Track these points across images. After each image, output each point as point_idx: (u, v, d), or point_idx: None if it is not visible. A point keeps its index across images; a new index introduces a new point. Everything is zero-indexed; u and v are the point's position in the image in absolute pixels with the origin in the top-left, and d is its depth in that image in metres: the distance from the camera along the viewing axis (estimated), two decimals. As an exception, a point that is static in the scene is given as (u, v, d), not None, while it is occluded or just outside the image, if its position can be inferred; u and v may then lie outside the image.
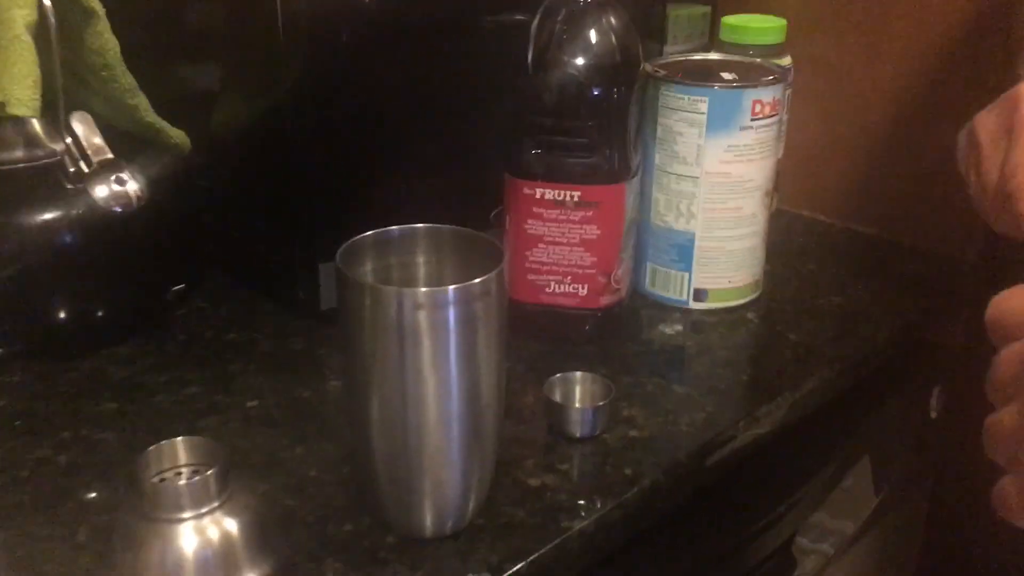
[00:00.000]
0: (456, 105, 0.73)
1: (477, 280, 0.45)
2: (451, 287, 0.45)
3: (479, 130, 0.74)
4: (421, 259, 0.51)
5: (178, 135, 0.71)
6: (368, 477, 0.50)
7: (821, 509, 0.69)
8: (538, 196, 0.66)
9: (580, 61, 0.64)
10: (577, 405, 0.60)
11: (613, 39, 0.64)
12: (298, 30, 0.66)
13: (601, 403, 0.58)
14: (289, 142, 0.72)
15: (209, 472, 0.45)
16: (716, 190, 0.71)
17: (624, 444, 0.58)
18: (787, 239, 0.86)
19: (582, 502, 0.53)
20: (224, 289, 0.76)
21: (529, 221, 0.67)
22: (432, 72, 0.72)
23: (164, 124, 0.70)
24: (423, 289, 0.46)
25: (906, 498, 0.82)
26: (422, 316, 0.45)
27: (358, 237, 0.49)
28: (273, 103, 0.73)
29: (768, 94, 0.70)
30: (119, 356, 0.67)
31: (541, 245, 0.67)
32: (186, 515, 0.45)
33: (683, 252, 0.73)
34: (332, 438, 0.58)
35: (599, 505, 0.53)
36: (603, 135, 0.65)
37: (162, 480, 0.46)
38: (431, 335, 0.45)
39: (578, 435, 0.58)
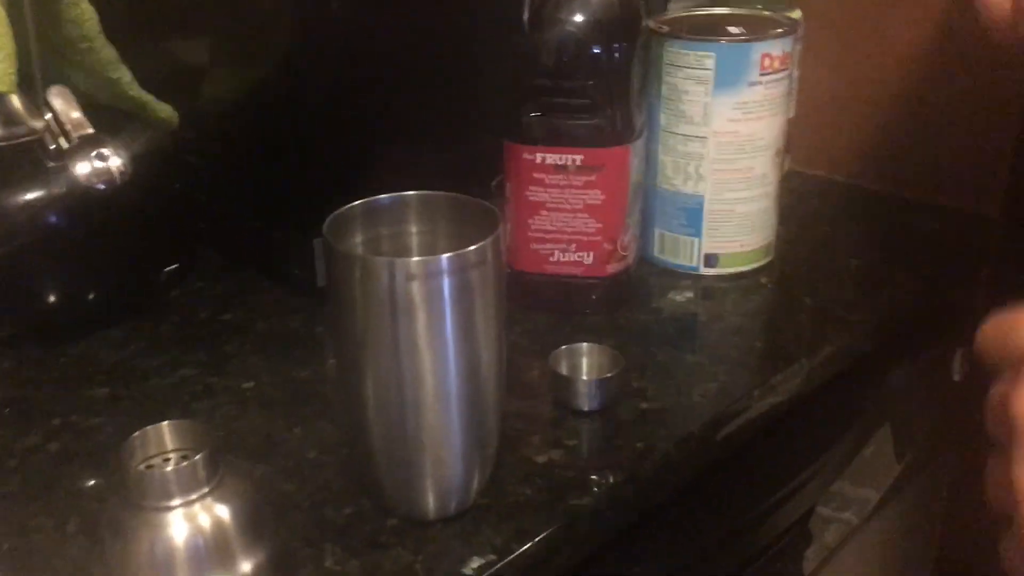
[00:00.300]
0: (452, 70, 0.71)
1: (472, 247, 0.43)
2: (445, 255, 0.42)
3: (476, 96, 0.71)
4: (414, 228, 0.48)
5: (165, 109, 0.69)
6: (366, 458, 0.48)
7: (843, 478, 0.66)
8: (539, 161, 0.63)
9: (578, 18, 0.61)
10: (584, 377, 0.57)
11: (613, -7, 0.61)
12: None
13: (609, 375, 0.56)
14: (279, 115, 0.70)
15: (197, 457, 0.43)
16: (725, 150, 0.68)
17: (634, 417, 0.55)
18: (800, 200, 0.83)
19: (591, 478, 0.50)
20: (220, 268, 0.74)
21: (530, 188, 0.64)
22: (426, 37, 0.69)
23: (149, 98, 0.67)
24: (415, 259, 0.43)
25: (929, 464, 0.80)
26: (415, 287, 0.43)
27: (346, 207, 0.47)
28: (262, 75, 0.71)
29: (777, 47, 0.67)
30: (111, 339, 0.65)
31: (543, 212, 0.64)
32: (175, 503, 0.43)
33: (692, 216, 0.70)
34: (331, 419, 0.56)
35: (609, 481, 0.50)
36: (605, 95, 0.62)
37: (149, 467, 0.44)
38: (425, 307, 0.43)
39: (586, 409, 0.56)
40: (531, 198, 0.64)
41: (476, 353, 0.45)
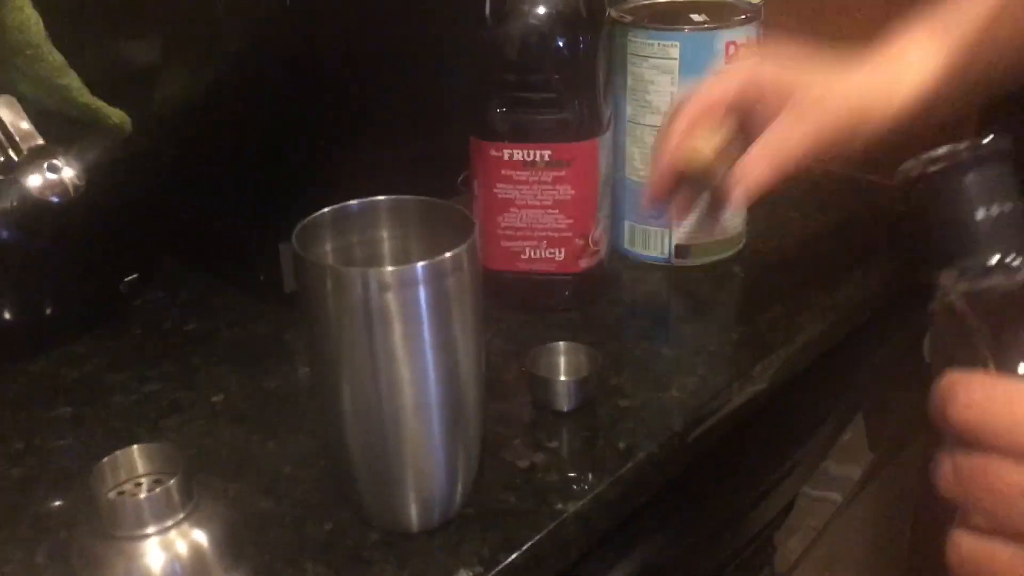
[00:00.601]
0: (414, 66, 0.69)
1: (447, 254, 0.42)
2: (420, 264, 0.41)
3: (440, 91, 0.69)
4: (385, 234, 0.47)
5: (117, 115, 0.66)
6: (346, 471, 0.47)
7: (827, 457, 0.66)
8: (506, 158, 0.62)
9: (541, 10, 0.60)
10: (562, 378, 0.56)
11: (574, -18, 0.60)
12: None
13: (587, 374, 0.55)
14: (238, 116, 0.68)
15: (171, 482, 0.41)
16: (693, 140, 0.67)
17: (614, 415, 0.55)
18: (767, 186, 0.82)
19: (575, 481, 0.50)
20: (181, 277, 0.72)
21: (499, 185, 0.63)
22: (386, 32, 0.67)
23: (101, 104, 0.65)
24: (389, 268, 0.42)
25: (906, 444, 0.80)
26: (390, 298, 0.41)
27: (315, 215, 0.45)
28: (217, 75, 0.69)
29: (742, 34, 0.66)
30: (72, 356, 0.63)
31: (513, 209, 0.63)
32: (149, 530, 0.41)
33: (662, 207, 0.69)
34: (306, 430, 0.55)
35: (594, 483, 0.50)
36: (571, 88, 0.61)
37: (120, 494, 0.43)
38: (401, 318, 0.42)
39: (565, 409, 0.55)
40: (500, 195, 0.63)
41: (455, 361, 0.44)
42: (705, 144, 0.56)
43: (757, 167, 0.54)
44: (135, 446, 0.43)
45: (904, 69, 0.57)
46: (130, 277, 0.69)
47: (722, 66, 0.65)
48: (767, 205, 0.78)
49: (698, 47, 0.65)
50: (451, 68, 0.66)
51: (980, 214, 0.37)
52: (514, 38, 0.60)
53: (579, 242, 0.64)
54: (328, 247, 0.46)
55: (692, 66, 0.65)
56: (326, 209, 0.45)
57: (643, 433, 0.53)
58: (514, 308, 0.65)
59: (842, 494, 0.70)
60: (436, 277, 0.41)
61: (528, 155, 0.62)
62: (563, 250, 0.64)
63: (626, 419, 0.54)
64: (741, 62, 0.63)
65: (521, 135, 0.61)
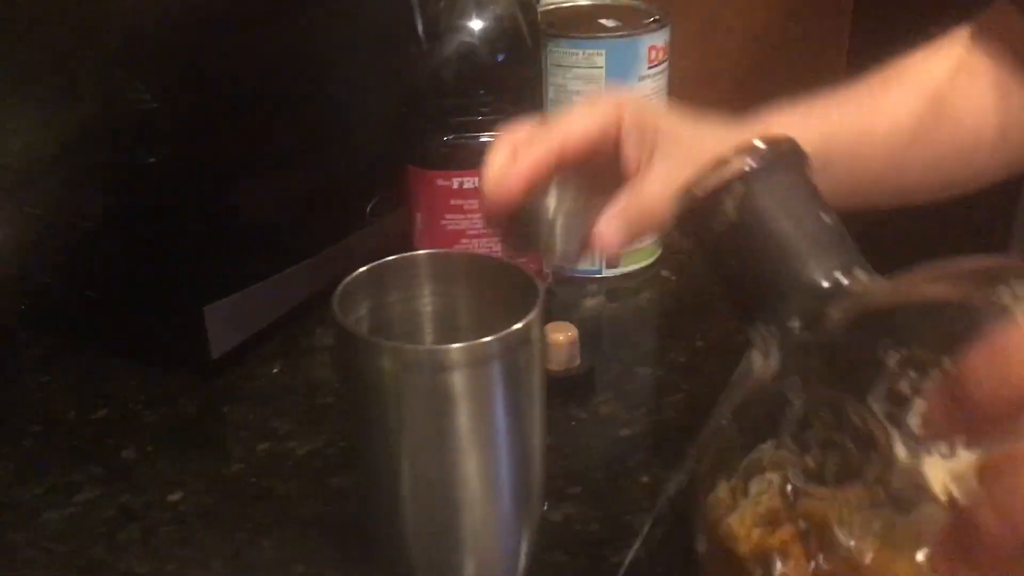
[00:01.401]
0: (316, 88, 0.62)
1: (518, 325, 0.37)
2: (492, 338, 0.37)
3: (345, 113, 0.63)
4: (427, 290, 0.42)
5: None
6: (397, 562, 0.42)
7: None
8: (456, 187, 0.58)
9: (480, 24, 0.56)
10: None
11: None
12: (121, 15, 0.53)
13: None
14: (131, 159, 0.58)
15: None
16: (620, 148, 0.66)
17: (620, 449, 0.53)
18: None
19: (617, 526, 0.47)
20: (63, 354, 0.61)
21: (448, 216, 0.59)
22: (286, 51, 0.60)
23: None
24: (456, 345, 0.37)
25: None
26: (458, 378, 0.37)
27: (351, 277, 0.39)
28: (87, 111, 0.59)
29: (660, 39, 0.66)
30: (-34, 472, 0.52)
31: (464, 240, 0.59)
32: None
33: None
34: (298, 519, 0.48)
35: (636, 525, 0.47)
36: (521, 106, 0.57)
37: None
38: (471, 397, 0.37)
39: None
40: (449, 227, 0.59)
41: (526, 439, 0.40)
42: (549, 205, 0.44)
43: (613, 229, 0.43)
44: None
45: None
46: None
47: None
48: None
49: (623, 54, 0.64)
50: (359, 88, 0.61)
51: (827, 217, 0.29)
52: (457, 57, 0.56)
53: (533, 267, 0.61)
54: (364, 311, 0.40)
55: (618, 73, 0.64)
56: (362, 269, 0.40)
57: (660, 463, 0.52)
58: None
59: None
60: (507, 351, 0.37)
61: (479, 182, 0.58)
62: (519, 277, 0.61)
63: (635, 450, 0.53)
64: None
65: (471, 161, 0.57)
